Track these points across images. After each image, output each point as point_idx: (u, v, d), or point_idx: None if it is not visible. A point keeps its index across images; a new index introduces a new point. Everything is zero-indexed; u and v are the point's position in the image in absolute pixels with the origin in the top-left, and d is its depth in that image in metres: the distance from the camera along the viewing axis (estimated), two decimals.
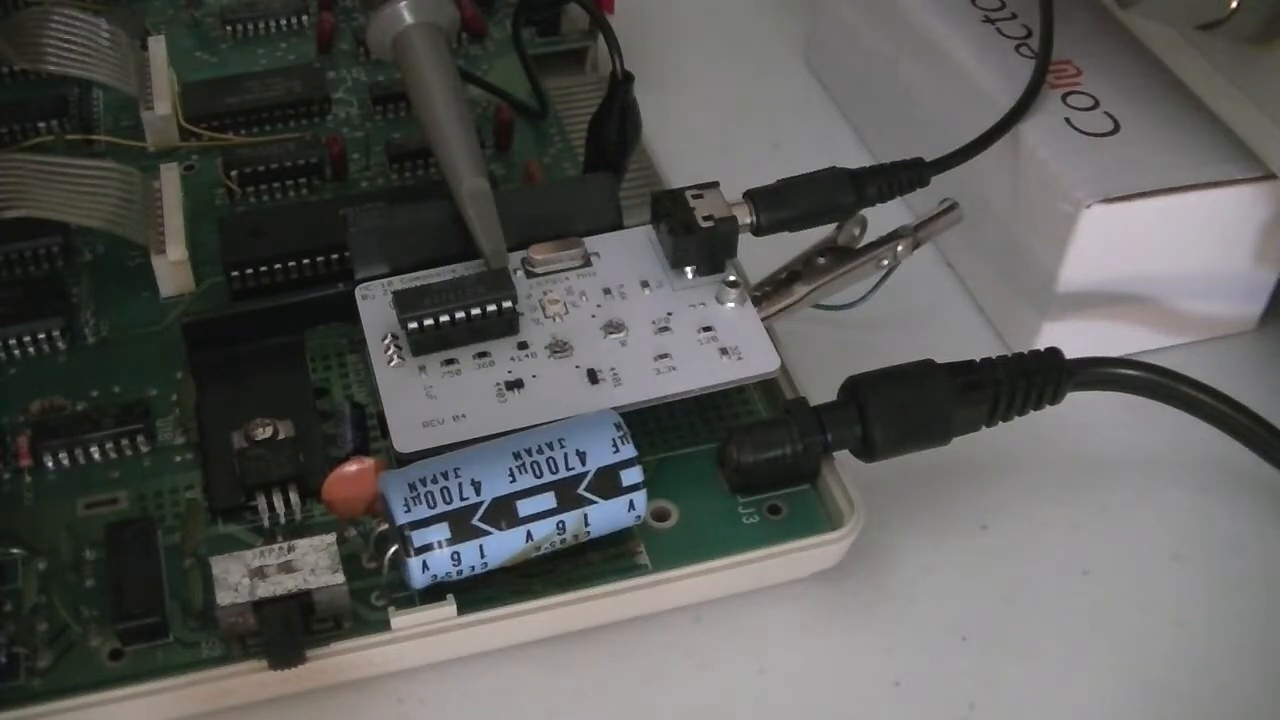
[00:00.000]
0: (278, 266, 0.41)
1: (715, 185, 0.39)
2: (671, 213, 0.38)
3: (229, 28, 0.51)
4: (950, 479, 0.39)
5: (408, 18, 0.42)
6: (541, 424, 0.35)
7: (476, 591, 0.34)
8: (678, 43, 0.56)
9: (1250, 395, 0.40)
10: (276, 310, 0.39)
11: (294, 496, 0.36)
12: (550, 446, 0.34)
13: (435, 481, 0.33)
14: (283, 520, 0.36)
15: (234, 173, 0.44)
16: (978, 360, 0.37)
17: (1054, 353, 0.37)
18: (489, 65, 0.50)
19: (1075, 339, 0.41)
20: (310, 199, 0.45)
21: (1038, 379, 0.37)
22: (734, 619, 0.36)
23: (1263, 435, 0.38)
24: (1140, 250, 0.41)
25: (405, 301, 0.37)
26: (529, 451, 0.33)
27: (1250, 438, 0.38)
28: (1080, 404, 0.38)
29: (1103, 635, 0.37)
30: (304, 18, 0.51)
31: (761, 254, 0.40)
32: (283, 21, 0.51)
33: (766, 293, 0.39)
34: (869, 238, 0.40)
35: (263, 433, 0.37)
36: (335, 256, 0.41)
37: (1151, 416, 0.39)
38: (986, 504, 0.39)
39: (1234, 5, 0.37)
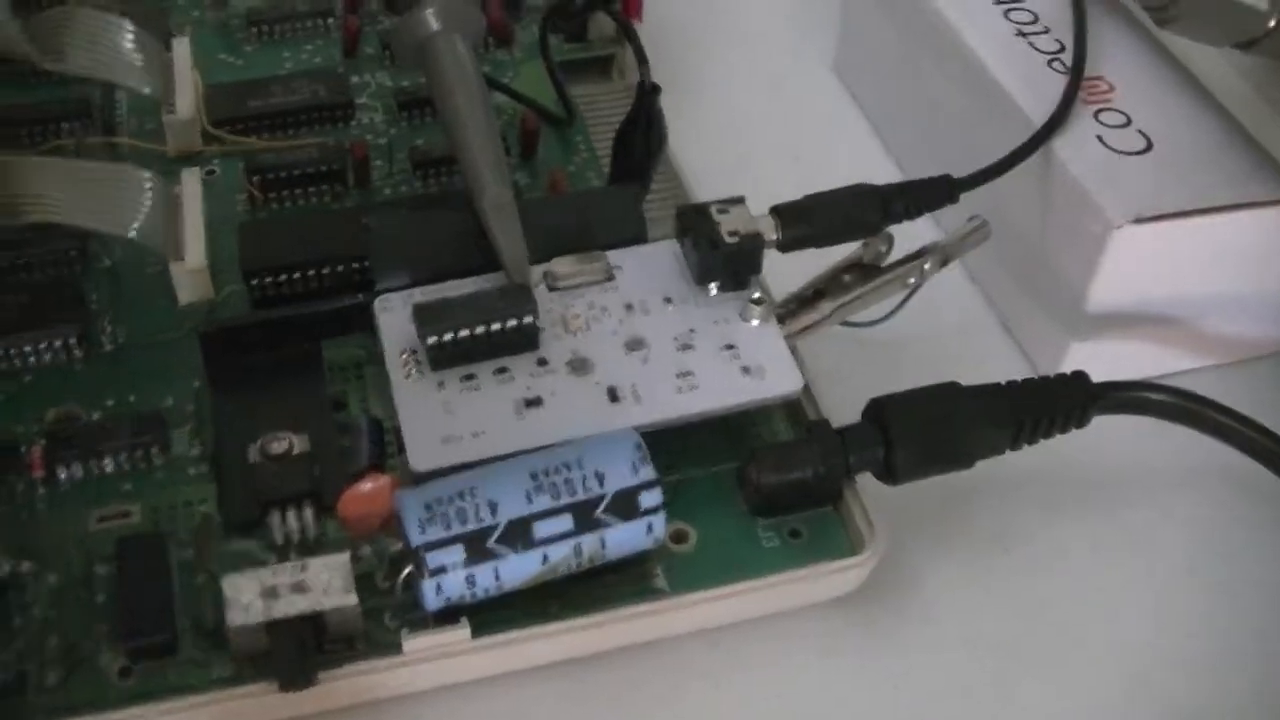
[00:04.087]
0: (297, 275, 0.40)
1: (741, 200, 0.38)
2: (697, 227, 0.38)
3: (254, 29, 0.50)
4: (972, 500, 0.39)
5: (434, 24, 0.42)
6: (560, 443, 0.34)
7: (491, 613, 0.33)
8: (706, 51, 0.55)
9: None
10: (294, 320, 0.39)
11: (308, 513, 0.35)
12: (568, 467, 0.33)
13: (451, 502, 0.32)
14: (296, 537, 0.35)
15: (256, 178, 0.44)
16: (1003, 383, 0.37)
17: (1080, 376, 0.37)
18: (515, 72, 0.49)
19: (1103, 359, 0.41)
20: (333, 206, 0.44)
21: (1064, 403, 0.36)
22: (752, 643, 0.36)
23: None
24: (1171, 271, 0.40)
25: (425, 316, 0.36)
26: (546, 472, 0.33)
27: (1273, 460, 0.38)
28: (1104, 424, 0.37)
29: (1123, 657, 0.36)
30: (330, 20, 0.51)
31: (787, 270, 0.39)
32: (308, 24, 0.51)
33: (791, 310, 0.38)
34: (896, 254, 0.40)
35: (278, 447, 0.36)
36: (356, 266, 0.40)
37: (1176, 438, 0.38)
38: (1008, 525, 0.39)
39: (1272, 24, 0.37)
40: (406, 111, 0.47)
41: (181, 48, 0.47)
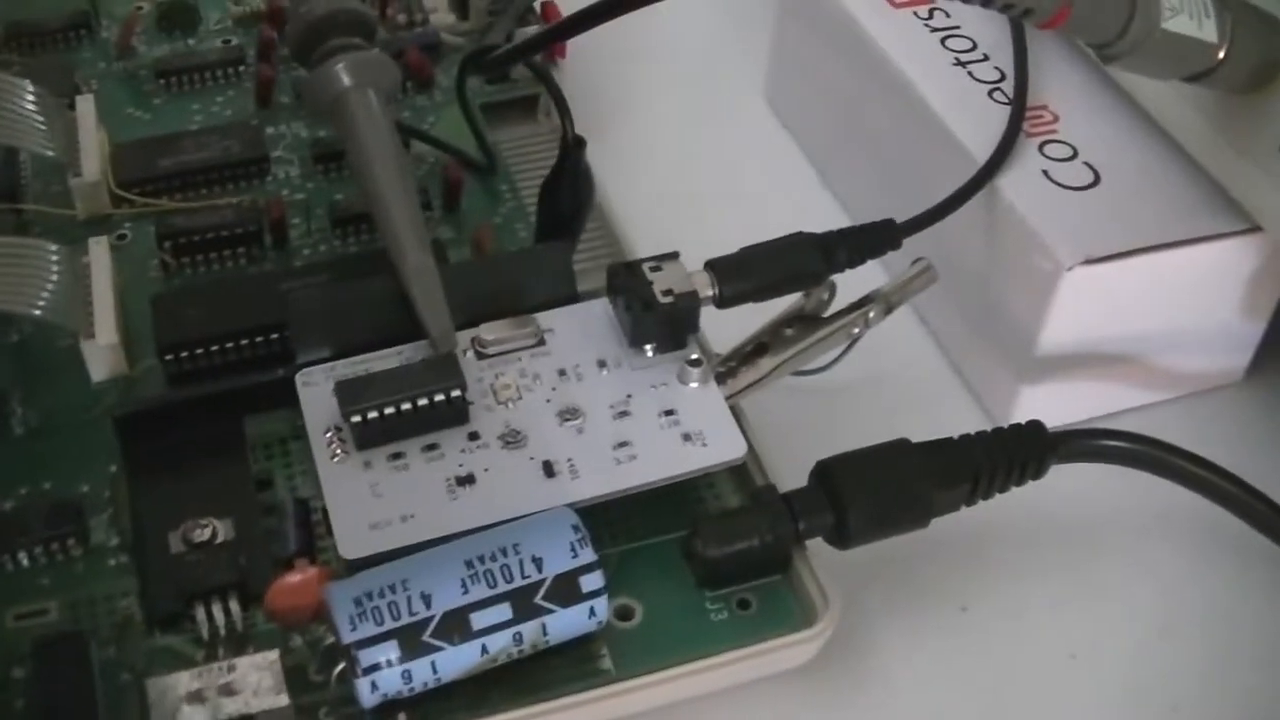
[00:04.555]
0: (215, 348, 0.38)
1: (675, 256, 0.37)
2: (629, 288, 0.36)
3: (162, 81, 0.48)
4: (928, 559, 0.38)
5: (345, 80, 0.40)
6: (495, 523, 0.33)
7: (431, 704, 0.32)
8: (634, 85, 0.53)
9: (1238, 449, 0.38)
10: (213, 398, 0.37)
11: (235, 605, 0.34)
12: (504, 553, 0.32)
13: (382, 595, 0.31)
14: (224, 631, 0.34)
15: (168, 243, 0.42)
16: (955, 437, 0.35)
17: (1036, 427, 0.36)
18: (436, 116, 0.47)
19: (1056, 400, 0.40)
20: (250, 269, 0.43)
21: (1019, 455, 0.35)
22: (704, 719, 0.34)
23: (1253, 504, 0.36)
24: (1124, 308, 0.39)
25: (347, 393, 0.34)
26: (481, 559, 0.31)
27: (1240, 507, 0.37)
28: (1063, 472, 0.36)
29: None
30: (241, 69, 0.49)
31: (726, 322, 0.38)
32: (219, 74, 0.49)
33: (732, 368, 0.37)
34: (840, 298, 0.38)
35: (201, 534, 0.35)
36: (276, 336, 0.38)
37: (1137, 483, 0.37)
38: (966, 584, 0.38)
39: (1221, 55, 0.36)
40: (324, 164, 0.45)
41: (86, 106, 0.45)
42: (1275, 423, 0.42)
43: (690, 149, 0.51)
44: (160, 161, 0.45)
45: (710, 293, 0.36)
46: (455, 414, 0.35)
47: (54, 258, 0.39)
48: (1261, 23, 0.36)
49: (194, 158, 0.45)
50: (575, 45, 0.48)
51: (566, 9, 0.46)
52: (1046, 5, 0.33)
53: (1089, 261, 0.37)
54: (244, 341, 0.38)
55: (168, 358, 0.38)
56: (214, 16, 0.51)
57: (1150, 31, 0.35)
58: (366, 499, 0.34)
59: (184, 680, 0.31)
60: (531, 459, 0.34)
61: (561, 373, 0.36)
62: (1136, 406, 0.42)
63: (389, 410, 0.34)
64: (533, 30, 0.48)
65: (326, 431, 0.35)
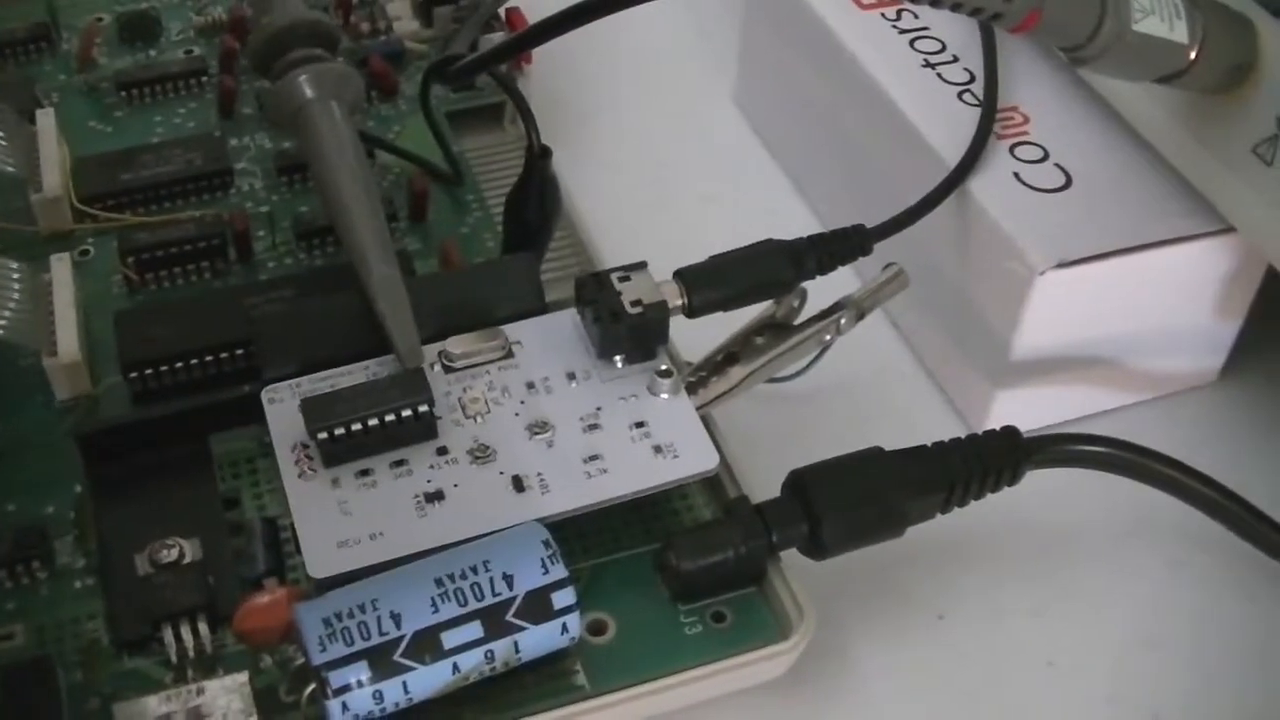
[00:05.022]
0: (180, 365, 0.38)
1: (643, 266, 0.36)
2: (597, 299, 0.36)
3: (124, 93, 0.48)
4: (903, 567, 0.37)
5: (308, 92, 0.40)
6: (465, 540, 0.32)
7: None
8: (602, 90, 0.53)
9: (1214, 451, 0.38)
10: (178, 416, 0.37)
11: (203, 627, 0.33)
12: (475, 570, 0.31)
13: (352, 616, 0.30)
14: (192, 653, 0.33)
15: (131, 259, 0.41)
16: (929, 444, 0.35)
17: (1010, 433, 0.35)
18: (401, 125, 0.47)
19: (1031, 404, 0.39)
20: (215, 284, 0.42)
21: (994, 462, 0.35)
22: None
23: (1229, 507, 0.36)
24: (1098, 311, 0.39)
25: (314, 410, 0.34)
26: (452, 577, 0.31)
27: (1217, 510, 0.36)
28: (1039, 477, 0.36)
29: None
30: (204, 79, 0.48)
31: (696, 331, 0.37)
32: (181, 85, 0.48)
33: (702, 378, 0.36)
34: (811, 305, 0.38)
35: (168, 555, 0.34)
36: (241, 352, 0.38)
37: (1113, 485, 0.37)
38: (943, 592, 0.37)
39: (1193, 56, 0.35)
40: (288, 176, 0.45)
41: (46, 120, 0.44)
42: (1250, 423, 0.42)
43: (659, 155, 0.51)
44: (122, 175, 0.44)
45: (679, 302, 0.36)
46: (423, 429, 0.34)
47: (15, 275, 0.39)
48: (1232, 23, 0.36)
49: (156, 171, 0.44)
50: (540, 51, 0.47)
51: (532, 16, 0.46)
52: (1016, 9, 0.33)
53: (1062, 265, 0.37)
54: (209, 358, 0.38)
55: (132, 375, 0.38)
56: (175, 27, 0.51)
57: (1121, 34, 0.34)
58: (335, 517, 0.33)
59: (152, 705, 0.31)
60: (501, 474, 0.34)
61: (530, 385, 0.36)
62: (1113, 409, 0.41)
63: (356, 427, 0.34)
64: (498, 37, 0.48)
65: (293, 449, 0.34)
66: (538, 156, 0.40)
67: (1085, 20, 0.34)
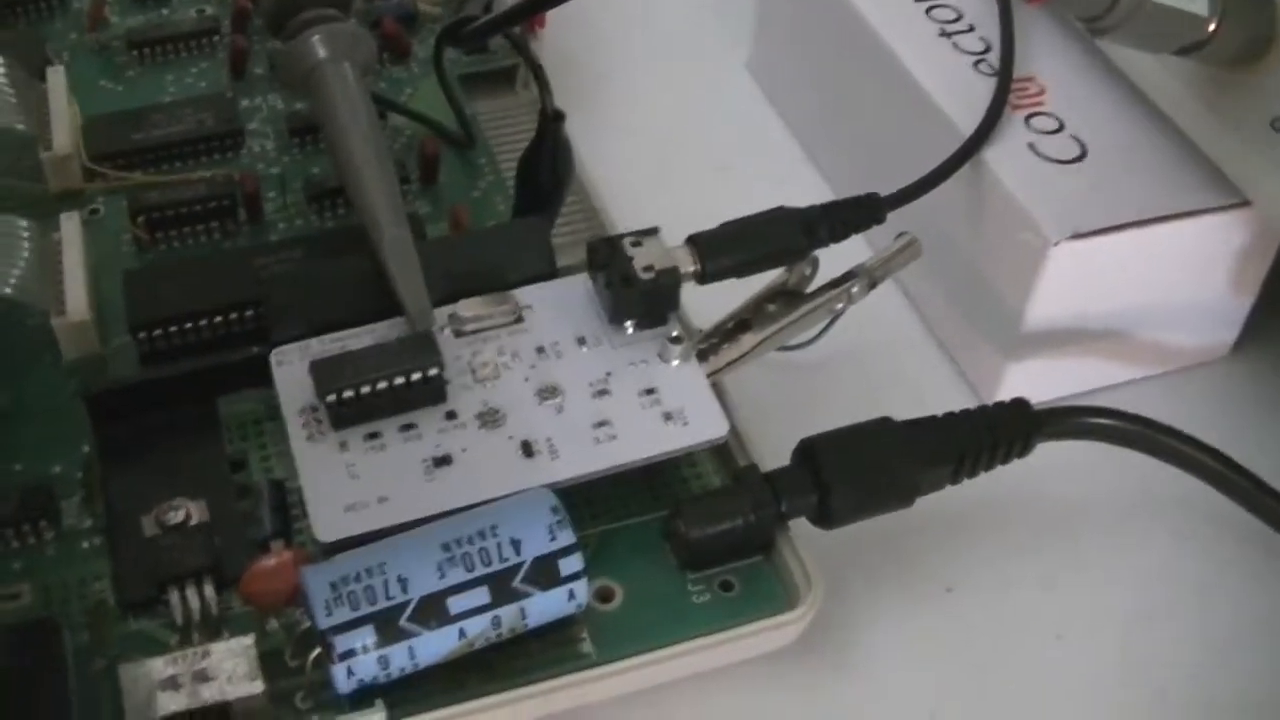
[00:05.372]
0: (189, 326, 0.37)
1: (655, 231, 0.36)
2: (609, 263, 0.36)
3: (135, 52, 0.48)
4: (912, 538, 0.37)
5: (321, 52, 0.40)
6: (473, 505, 0.32)
7: (409, 689, 0.31)
8: (615, 55, 0.53)
9: (1225, 425, 0.38)
10: (186, 377, 0.36)
11: (209, 589, 0.33)
12: (482, 535, 0.31)
13: (358, 580, 0.30)
14: (198, 615, 0.33)
15: (141, 218, 0.41)
16: (939, 415, 0.35)
17: (1021, 404, 0.35)
18: (413, 88, 0.47)
19: (1042, 376, 0.39)
20: (225, 245, 0.42)
21: (1005, 433, 0.35)
22: (686, 705, 0.34)
23: (1239, 482, 0.36)
24: (1111, 284, 0.38)
25: (323, 372, 0.34)
26: (459, 542, 0.31)
27: (1227, 484, 0.36)
28: (1049, 450, 0.36)
29: (1081, 709, 0.35)
30: (215, 39, 0.48)
31: (708, 297, 0.37)
32: (193, 45, 0.48)
33: (713, 345, 0.36)
34: (822, 273, 0.38)
35: (175, 516, 0.34)
36: (250, 313, 0.38)
37: (1123, 459, 0.37)
38: (952, 564, 0.37)
39: (1212, 28, 0.35)
40: (299, 138, 0.45)
41: (57, 78, 0.44)
42: (1262, 398, 0.42)
43: (672, 121, 0.50)
44: (132, 135, 0.44)
45: (692, 268, 0.36)
46: (432, 393, 0.34)
47: (24, 234, 0.39)
48: None
49: (167, 131, 0.44)
50: (555, 15, 0.47)
51: None
52: None
53: (1075, 236, 0.37)
54: (218, 319, 0.38)
55: (140, 335, 0.37)
56: None
57: (1141, 4, 0.34)
58: (342, 480, 0.33)
59: (158, 666, 0.31)
60: (510, 439, 0.34)
61: (540, 350, 0.36)
62: (1124, 382, 0.41)
63: (365, 390, 0.34)
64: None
65: (302, 412, 0.34)
66: (550, 120, 0.39)
67: None
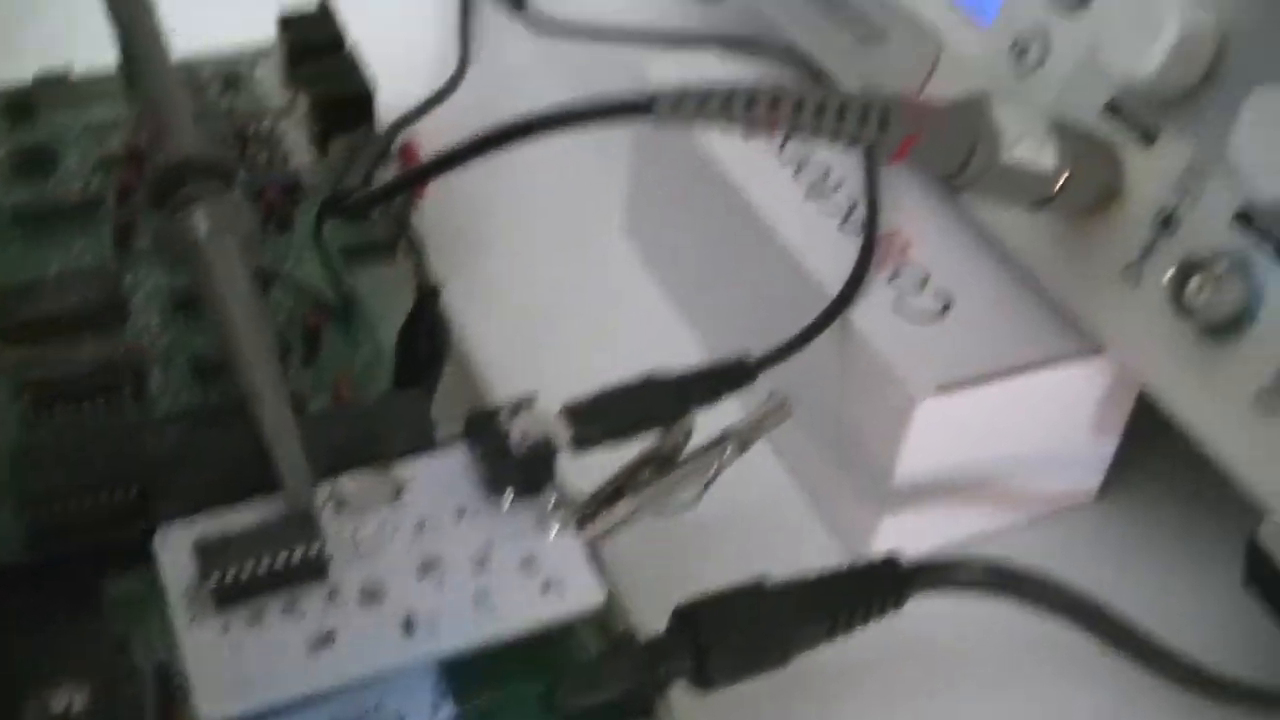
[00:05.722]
0: (72, 504, 0.38)
1: (532, 400, 0.37)
2: (486, 434, 0.36)
3: (18, 226, 0.48)
4: (793, 695, 0.38)
5: (202, 227, 0.40)
6: (357, 681, 0.33)
7: None
8: (494, 224, 0.54)
9: (1094, 568, 0.40)
10: (71, 555, 0.37)
11: None
12: (367, 713, 0.32)
13: None
14: None
15: (26, 395, 0.42)
16: (811, 575, 0.36)
17: (891, 561, 0.36)
18: (296, 259, 0.47)
19: (915, 529, 0.40)
20: (110, 422, 0.42)
21: (877, 590, 0.35)
22: None
23: (1107, 624, 0.37)
24: (978, 434, 0.40)
25: (206, 552, 0.34)
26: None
27: (1095, 627, 0.37)
28: (925, 601, 0.36)
29: None
30: (100, 210, 0.49)
31: (585, 464, 0.38)
32: (78, 217, 0.48)
33: (590, 512, 0.37)
34: (701, 432, 0.38)
35: (57, 704, 0.34)
36: (135, 491, 0.38)
37: (999, 609, 0.37)
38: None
39: (1062, 182, 0.36)
40: (184, 311, 0.45)
41: None
42: (1129, 540, 0.43)
43: (551, 288, 0.51)
44: (16, 310, 0.44)
45: (567, 437, 0.37)
46: (314, 570, 0.35)
47: None
48: (1098, 150, 0.37)
49: (51, 305, 0.44)
50: (435, 183, 0.48)
51: (427, 144, 0.47)
52: (890, 139, 0.34)
53: (940, 391, 0.38)
54: (102, 496, 0.38)
55: (24, 513, 0.38)
56: (73, 159, 0.51)
57: (992, 163, 0.35)
58: (226, 660, 0.33)
59: None
60: (391, 614, 0.34)
61: (420, 523, 0.36)
62: (995, 530, 0.42)
63: (247, 570, 0.34)
64: (396, 164, 0.48)
65: (185, 592, 0.35)
66: (427, 294, 0.40)
67: (957, 149, 0.35)
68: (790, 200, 0.44)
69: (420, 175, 0.41)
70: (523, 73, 0.61)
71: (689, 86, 0.34)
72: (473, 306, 0.44)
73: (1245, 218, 0.35)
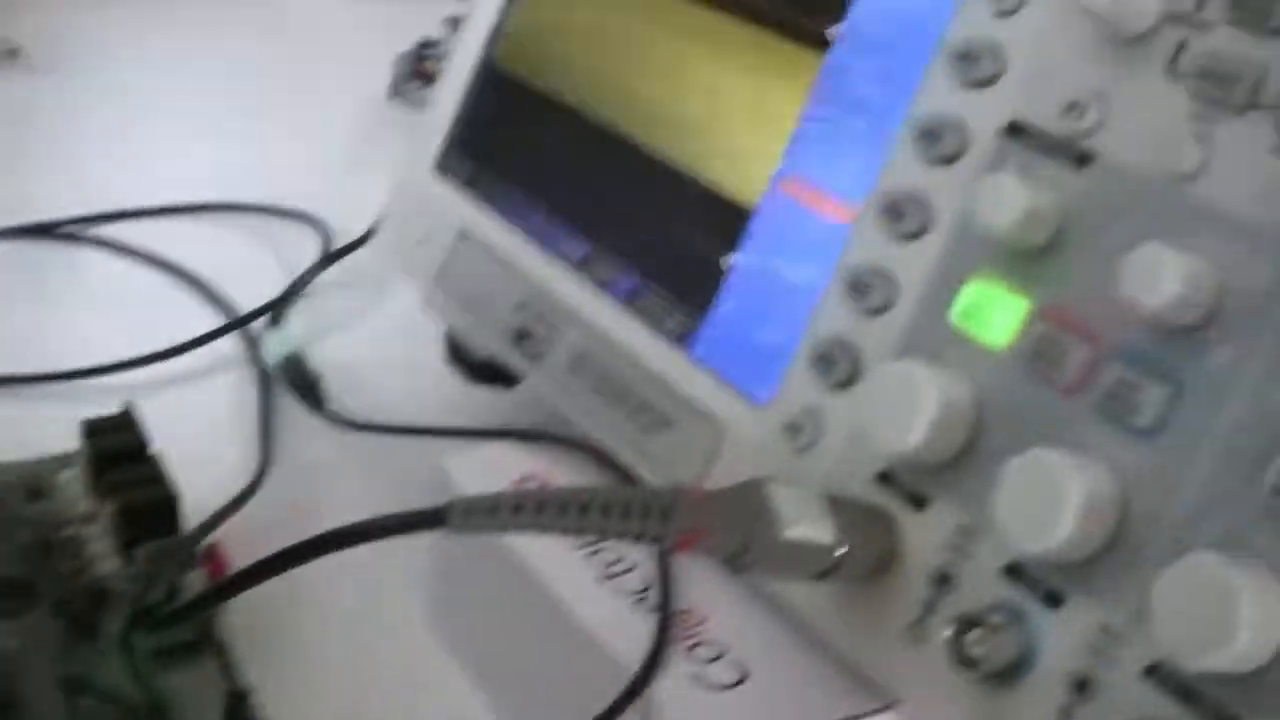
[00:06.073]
0: None
1: None
2: None
3: None
4: None
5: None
6: None
7: None
8: (303, 623, 0.54)
9: None
10: None
11: None
12: None
13: None
14: None
15: None
16: None
17: None
18: (103, 666, 0.47)
19: None
20: None
21: None
22: None
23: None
24: None
25: None
26: None
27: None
28: None
29: None
30: None
31: None
32: None
33: None
34: None
35: None
36: None
37: None
38: None
39: (840, 553, 0.39)
40: None
41: None
42: None
43: (360, 685, 0.52)
44: None
45: None
46: None
47: None
48: (873, 518, 0.40)
49: None
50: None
51: (234, 543, 0.48)
52: (673, 532, 0.36)
53: None
54: None
55: None
56: None
57: (773, 544, 0.37)
58: None
59: None
60: None
61: None
62: None
63: None
64: (202, 568, 0.49)
65: None
66: (237, 697, 0.41)
67: (738, 535, 0.37)
68: (587, 583, 0.46)
69: (223, 592, 0.42)
70: (325, 470, 0.62)
71: (479, 497, 0.36)
72: (283, 708, 0.45)
73: (1015, 570, 0.38)
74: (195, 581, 0.48)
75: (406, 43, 1.06)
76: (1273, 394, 0.34)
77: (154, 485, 0.52)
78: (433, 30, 1.05)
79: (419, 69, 1.03)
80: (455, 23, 1.00)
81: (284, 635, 0.53)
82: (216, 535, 0.52)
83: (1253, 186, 0.36)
